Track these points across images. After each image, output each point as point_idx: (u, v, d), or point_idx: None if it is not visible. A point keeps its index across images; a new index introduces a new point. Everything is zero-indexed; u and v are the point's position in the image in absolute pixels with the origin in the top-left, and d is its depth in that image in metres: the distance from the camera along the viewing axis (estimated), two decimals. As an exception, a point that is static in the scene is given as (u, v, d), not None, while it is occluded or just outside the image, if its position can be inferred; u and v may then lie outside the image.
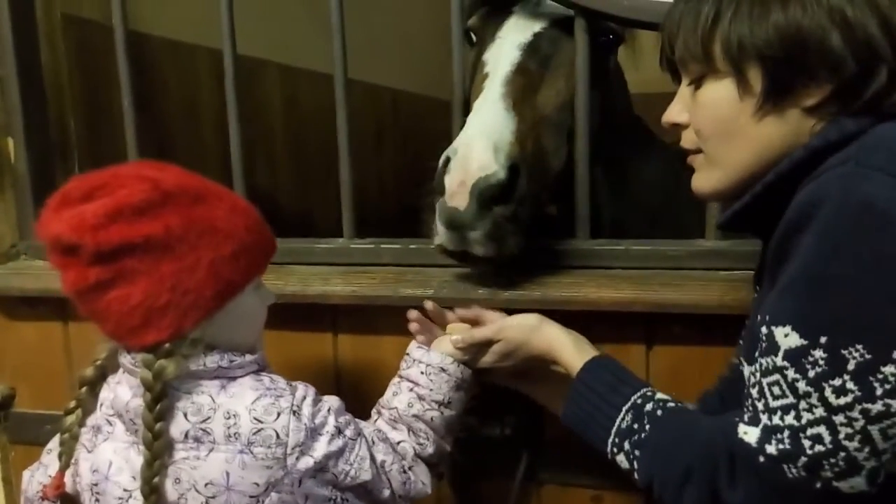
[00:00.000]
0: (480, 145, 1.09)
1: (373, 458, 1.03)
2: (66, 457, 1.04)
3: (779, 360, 0.74)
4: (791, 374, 0.73)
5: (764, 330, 0.77)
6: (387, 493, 1.04)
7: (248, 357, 1.01)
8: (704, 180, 0.92)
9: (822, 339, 0.71)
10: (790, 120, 0.83)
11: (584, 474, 1.26)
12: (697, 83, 0.88)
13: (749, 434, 0.76)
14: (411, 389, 1.09)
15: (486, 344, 1.09)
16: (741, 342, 0.99)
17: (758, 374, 0.78)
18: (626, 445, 0.91)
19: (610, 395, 0.95)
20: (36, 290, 1.44)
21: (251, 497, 0.96)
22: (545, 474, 1.29)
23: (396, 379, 1.12)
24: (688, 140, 0.93)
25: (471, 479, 1.34)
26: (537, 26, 1.32)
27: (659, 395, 0.93)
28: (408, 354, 1.12)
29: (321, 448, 0.98)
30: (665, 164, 1.64)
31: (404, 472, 1.06)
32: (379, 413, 1.12)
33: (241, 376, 1.00)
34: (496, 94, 1.21)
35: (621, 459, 0.91)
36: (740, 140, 0.85)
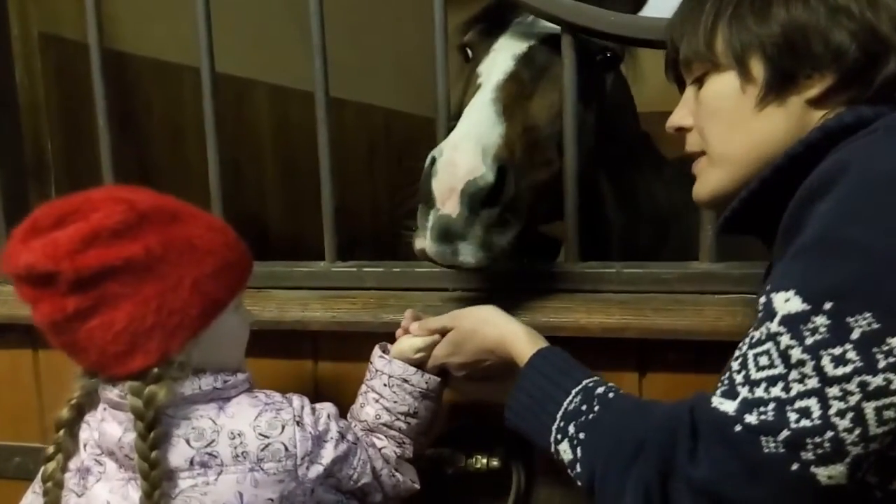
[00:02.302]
0: (468, 147, 1.06)
1: (371, 462, 1.05)
2: None
3: (773, 326, 0.68)
4: (785, 340, 0.67)
5: (762, 300, 0.71)
6: (379, 496, 1.07)
7: (240, 376, 1.01)
8: (704, 184, 0.90)
9: (827, 305, 0.65)
10: (794, 112, 0.81)
11: (575, 508, 1.20)
12: (700, 82, 0.88)
13: (725, 405, 0.69)
14: (377, 401, 1.09)
15: (442, 334, 1.07)
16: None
17: (744, 347, 0.72)
18: (571, 429, 0.84)
19: (560, 378, 0.90)
20: (5, 317, 1.38)
21: None
22: (535, 508, 1.23)
23: (363, 388, 1.12)
24: (692, 143, 0.92)
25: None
26: (534, 40, 1.30)
27: (613, 384, 0.88)
28: (371, 363, 1.12)
29: (328, 454, 0.99)
30: (672, 181, 1.62)
31: (393, 475, 1.08)
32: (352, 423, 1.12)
33: (234, 396, 0.99)
34: (486, 98, 1.18)
35: (564, 448, 0.84)
36: (742, 133, 0.84)
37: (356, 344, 1.27)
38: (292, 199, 2.49)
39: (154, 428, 0.91)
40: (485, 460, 1.19)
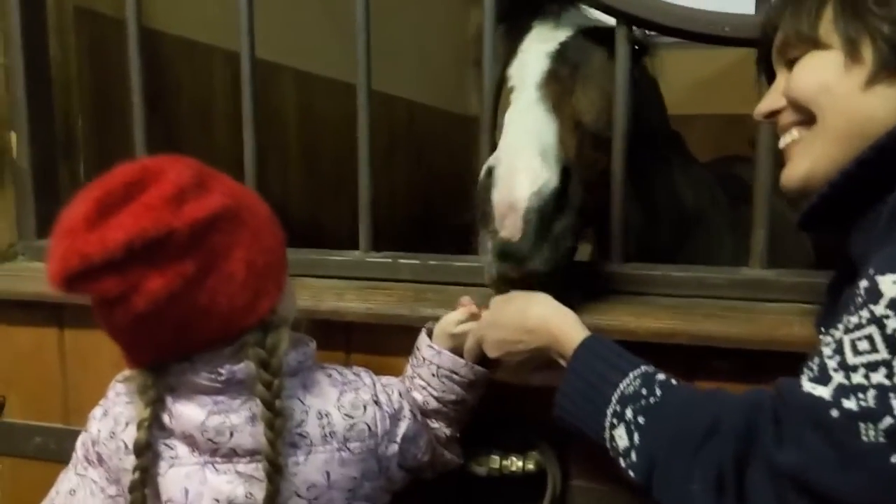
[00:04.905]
0: (528, 151, 0.99)
1: (431, 442, 1.07)
2: None
3: (879, 309, 0.64)
4: (892, 323, 0.63)
5: (864, 284, 0.67)
6: (430, 473, 1.11)
7: (311, 345, 1.01)
8: (798, 162, 0.86)
9: None
10: None
11: (611, 514, 1.16)
12: (793, 64, 0.86)
13: (818, 389, 0.66)
14: (424, 388, 1.08)
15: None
16: None
17: (838, 333, 0.68)
18: (629, 413, 0.80)
19: (617, 360, 0.87)
20: (32, 294, 1.36)
21: (349, 490, 0.97)
22: (569, 513, 1.20)
23: (410, 373, 1.11)
24: (785, 116, 0.88)
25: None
26: (562, 36, 1.24)
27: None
28: (417, 349, 1.10)
29: (401, 432, 1.02)
30: (699, 183, 1.57)
31: (443, 454, 1.11)
32: None
33: (307, 369, 0.99)
34: (532, 98, 1.11)
35: (620, 434, 0.80)
36: (841, 109, 0.81)
37: (390, 336, 1.24)
38: (314, 186, 2.46)
39: (278, 376, 0.91)
40: (520, 463, 1.16)
